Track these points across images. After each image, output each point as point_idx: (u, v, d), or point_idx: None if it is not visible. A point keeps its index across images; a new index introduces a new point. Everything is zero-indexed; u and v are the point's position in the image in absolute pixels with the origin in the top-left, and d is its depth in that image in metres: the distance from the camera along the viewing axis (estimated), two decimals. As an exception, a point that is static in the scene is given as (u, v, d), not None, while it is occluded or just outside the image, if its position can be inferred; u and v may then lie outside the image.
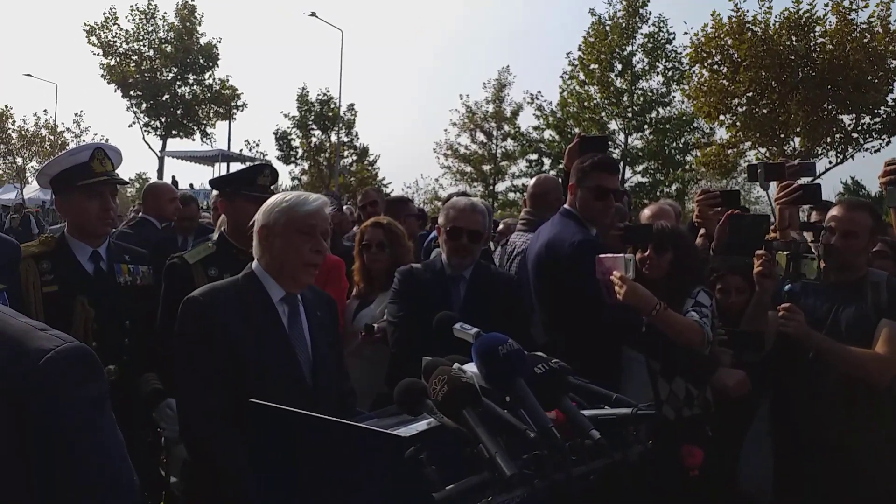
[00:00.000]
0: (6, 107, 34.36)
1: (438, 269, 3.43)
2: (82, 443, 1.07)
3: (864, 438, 3.02)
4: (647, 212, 4.36)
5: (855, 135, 19.90)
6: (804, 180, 3.77)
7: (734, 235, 3.49)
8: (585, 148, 3.81)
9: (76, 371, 1.07)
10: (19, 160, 34.05)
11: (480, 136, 31.17)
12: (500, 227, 6.68)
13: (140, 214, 5.72)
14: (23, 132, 34.27)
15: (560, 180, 4.42)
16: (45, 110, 45.88)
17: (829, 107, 19.44)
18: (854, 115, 19.70)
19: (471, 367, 1.58)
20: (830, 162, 20.49)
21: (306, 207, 2.39)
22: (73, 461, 1.05)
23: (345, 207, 8.03)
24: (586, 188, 3.43)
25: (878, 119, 19.54)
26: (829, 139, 19.97)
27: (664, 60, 26.25)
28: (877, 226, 3.27)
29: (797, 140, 20.13)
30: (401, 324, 3.35)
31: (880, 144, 19.70)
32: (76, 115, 43.64)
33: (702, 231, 3.96)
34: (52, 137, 33.95)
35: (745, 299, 3.48)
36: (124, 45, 31.46)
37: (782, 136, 20.10)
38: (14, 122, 34.48)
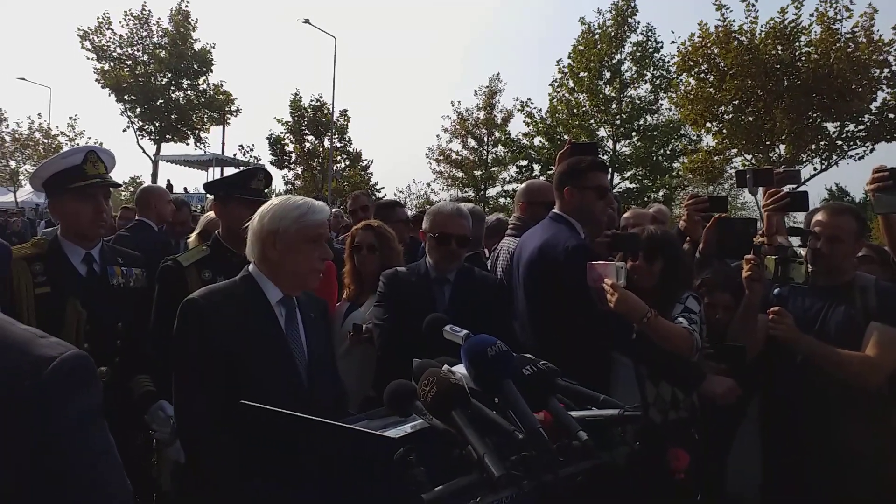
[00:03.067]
0: (0, 110, 34.13)
1: (423, 272, 3.46)
2: (79, 448, 1.06)
3: (853, 440, 3.04)
4: (627, 215, 4.38)
5: (839, 142, 20.05)
6: (789, 187, 3.81)
7: (723, 238, 3.52)
8: (576, 154, 3.84)
9: (79, 378, 1.07)
10: (13, 163, 33.78)
11: (472, 142, 31.37)
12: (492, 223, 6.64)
13: (136, 217, 5.75)
14: (16, 136, 34.03)
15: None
16: (38, 114, 45.69)
17: (814, 115, 19.59)
18: (838, 123, 19.86)
19: (460, 369, 1.59)
20: (815, 169, 20.66)
21: (316, 217, 2.41)
22: (69, 467, 1.05)
23: (334, 210, 8.03)
24: (588, 188, 3.46)
25: (861, 127, 19.67)
26: (813, 146, 20.11)
27: (652, 69, 26.41)
28: (862, 229, 3.30)
29: (782, 147, 20.26)
30: (387, 326, 3.37)
31: (864, 152, 19.86)
32: (70, 118, 43.51)
33: (688, 237, 3.98)
34: (46, 141, 33.70)
35: (732, 316, 3.49)
36: (118, 50, 31.30)
37: (768, 143, 20.22)
38: (7, 125, 34.30)
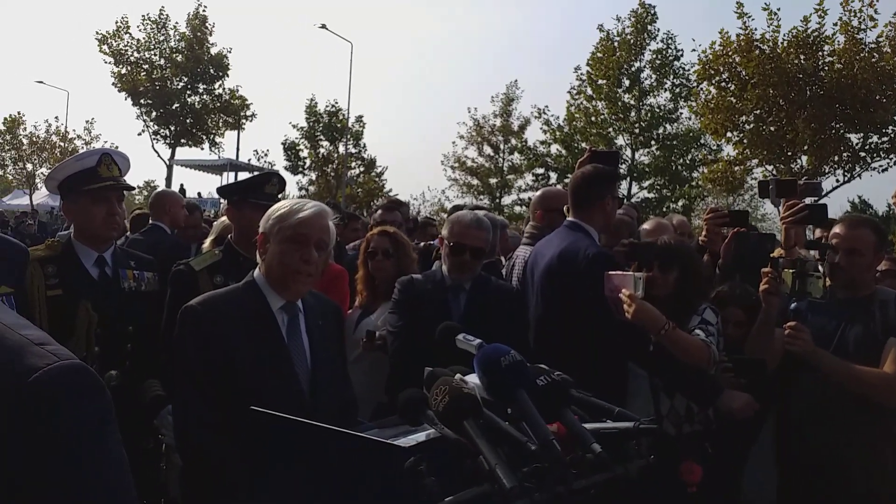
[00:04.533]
0: (18, 113, 34.71)
1: (439, 280, 3.43)
2: (76, 466, 0.98)
3: (870, 457, 3.00)
4: (645, 226, 4.35)
5: (862, 154, 19.91)
6: (809, 200, 3.76)
7: (740, 254, 3.48)
8: (597, 162, 3.81)
9: (69, 391, 0.98)
10: (29, 166, 34.28)
11: (488, 150, 31.32)
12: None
13: (150, 222, 5.81)
14: (34, 138, 34.53)
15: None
16: (56, 117, 46.34)
17: (837, 125, 19.46)
18: (862, 134, 19.72)
19: (472, 378, 1.57)
20: (838, 180, 20.51)
21: (298, 216, 2.36)
22: (64, 485, 0.97)
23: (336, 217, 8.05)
24: (613, 197, 3.52)
25: (885, 138, 19.54)
26: (836, 157, 19.95)
27: (672, 77, 26.37)
28: (881, 242, 3.25)
29: (804, 158, 20.12)
30: (400, 334, 3.35)
31: (888, 164, 19.73)
32: (87, 122, 43.93)
33: (708, 251, 3.94)
34: (62, 144, 34.18)
35: (743, 332, 3.44)
36: (135, 54, 31.68)
37: (789, 153, 20.10)
38: (25, 128, 34.79)
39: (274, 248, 2.38)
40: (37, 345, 1.00)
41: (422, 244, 4.90)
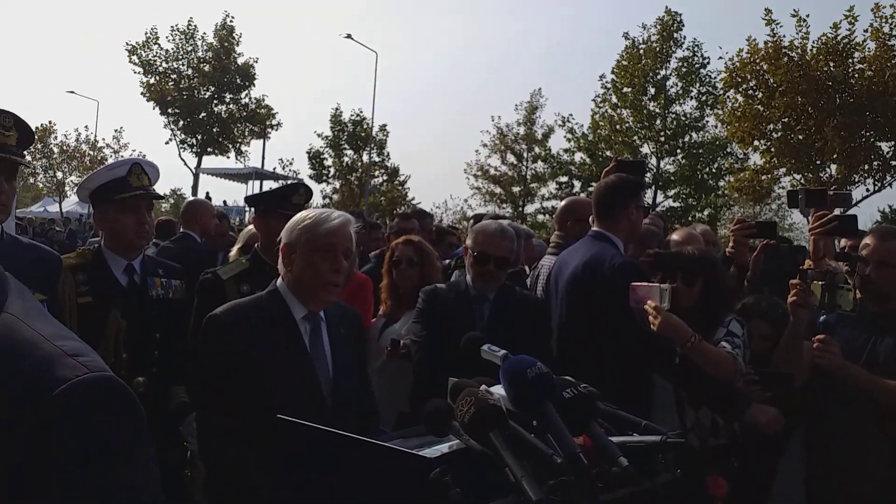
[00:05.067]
0: (49, 122, 35.50)
1: (463, 290, 3.43)
2: (99, 482, 0.95)
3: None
4: (675, 237, 4.31)
5: (893, 162, 19.49)
6: (838, 211, 3.70)
7: (769, 266, 3.43)
8: (622, 171, 3.79)
9: (97, 403, 0.96)
10: (59, 174, 34.91)
11: (511, 158, 31.25)
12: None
13: (181, 230, 5.92)
14: (64, 147, 35.18)
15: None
16: (86, 126, 47.09)
17: (867, 134, 19.10)
18: (893, 143, 19.32)
19: (498, 390, 1.56)
20: (868, 190, 20.08)
21: (326, 226, 2.37)
22: (87, 500, 0.94)
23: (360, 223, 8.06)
24: (638, 207, 3.50)
25: (917, 147, 19.15)
26: (866, 167, 19.56)
27: (698, 85, 26.11)
28: None
29: (833, 167, 19.78)
30: (424, 343, 3.34)
31: (920, 173, 19.31)
32: (116, 131, 44.84)
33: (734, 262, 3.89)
34: (91, 153, 34.78)
35: (768, 346, 3.39)
36: (164, 64, 32.20)
37: (818, 162, 19.78)
38: (56, 137, 35.49)
39: (302, 259, 2.38)
40: (70, 356, 0.99)
41: (446, 261, 4.78)
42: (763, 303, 3.50)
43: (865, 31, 18.75)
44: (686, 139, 26.44)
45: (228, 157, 33.61)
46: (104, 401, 0.97)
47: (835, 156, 19.32)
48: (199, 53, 32.55)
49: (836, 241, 3.89)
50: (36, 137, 2.76)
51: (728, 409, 3.12)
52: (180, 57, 32.40)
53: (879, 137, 19.23)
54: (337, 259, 2.37)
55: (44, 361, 0.97)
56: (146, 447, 1.03)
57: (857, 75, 18.83)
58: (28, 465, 0.92)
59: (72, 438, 0.93)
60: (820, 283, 3.14)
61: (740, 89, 20.38)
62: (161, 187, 3.42)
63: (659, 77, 26.07)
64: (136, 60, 31.86)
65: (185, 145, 32.78)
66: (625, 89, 26.27)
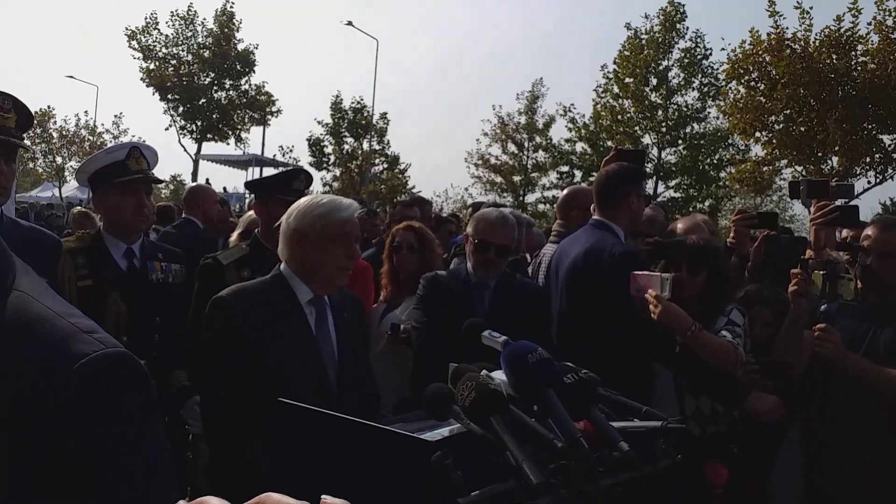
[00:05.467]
0: (48, 107, 35.26)
1: (464, 277, 3.42)
2: (119, 451, 0.98)
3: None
4: (680, 225, 4.30)
5: (895, 155, 19.49)
6: (840, 202, 3.70)
7: (769, 257, 3.43)
8: (622, 160, 3.78)
9: (115, 378, 0.98)
10: (59, 159, 34.82)
11: (512, 147, 31.19)
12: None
13: (183, 216, 5.96)
14: (63, 132, 35.06)
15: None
16: (85, 111, 47.19)
17: (869, 126, 19.10)
18: (895, 136, 19.31)
19: (499, 375, 1.56)
20: (869, 182, 20.11)
21: (341, 214, 2.39)
22: (106, 470, 0.97)
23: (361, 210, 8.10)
24: (639, 195, 3.48)
25: (919, 139, 19.14)
26: (868, 159, 19.59)
27: (700, 76, 26.04)
28: None
29: (835, 159, 19.79)
30: (425, 330, 3.35)
31: (921, 165, 19.31)
32: (115, 116, 44.69)
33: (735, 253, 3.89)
34: (91, 138, 34.66)
35: (770, 333, 3.40)
36: (164, 50, 32.07)
37: (820, 154, 19.77)
38: (55, 122, 35.35)
39: (315, 246, 2.38)
40: (85, 332, 1.01)
41: (445, 255, 4.78)
42: (765, 291, 3.51)
43: (869, 23, 18.75)
44: (688, 130, 26.41)
45: (228, 144, 33.56)
46: (122, 375, 1.00)
47: (836, 148, 19.32)
48: (199, 39, 32.40)
49: (836, 232, 3.88)
50: (35, 122, 2.75)
51: (728, 397, 3.13)
52: (180, 42, 32.25)
53: (881, 130, 19.24)
54: (351, 246, 2.40)
55: (60, 338, 0.99)
56: (159, 423, 1.07)
57: (859, 68, 18.80)
58: (47, 439, 0.94)
59: (93, 412, 0.96)
60: (821, 272, 3.14)
61: (742, 81, 20.35)
62: (161, 173, 3.41)
63: (661, 67, 25.99)
64: (136, 46, 31.73)
65: (185, 131, 32.67)
66: (627, 79, 26.19)
